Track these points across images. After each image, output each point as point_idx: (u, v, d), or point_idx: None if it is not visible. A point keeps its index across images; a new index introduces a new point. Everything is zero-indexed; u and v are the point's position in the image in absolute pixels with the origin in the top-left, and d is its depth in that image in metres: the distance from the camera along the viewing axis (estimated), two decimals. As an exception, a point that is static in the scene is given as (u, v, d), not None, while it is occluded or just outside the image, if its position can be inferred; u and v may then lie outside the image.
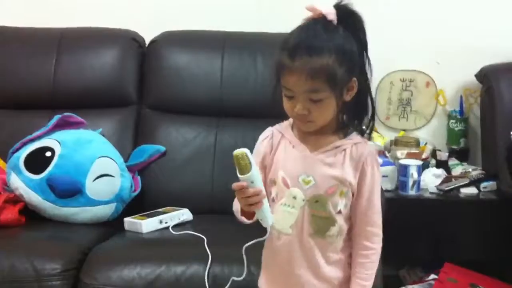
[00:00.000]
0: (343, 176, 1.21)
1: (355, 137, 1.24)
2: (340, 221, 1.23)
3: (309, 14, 1.21)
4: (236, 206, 1.23)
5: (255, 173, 1.14)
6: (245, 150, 1.14)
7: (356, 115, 1.24)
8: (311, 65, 1.14)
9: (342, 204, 1.23)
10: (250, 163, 1.13)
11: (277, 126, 1.28)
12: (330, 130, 1.23)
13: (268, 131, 1.28)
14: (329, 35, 1.17)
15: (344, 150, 1.22)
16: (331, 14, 1.18)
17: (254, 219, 1.21)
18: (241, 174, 1.14)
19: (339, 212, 1.23)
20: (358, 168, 1.22)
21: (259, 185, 1.16)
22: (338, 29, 1.18)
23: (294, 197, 1.22)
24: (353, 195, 1.24)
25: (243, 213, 1.22)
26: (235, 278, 1.37)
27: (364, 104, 1.24)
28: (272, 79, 1.21)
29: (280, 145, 1.25)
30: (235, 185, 1.15)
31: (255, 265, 1.32)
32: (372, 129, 1.26)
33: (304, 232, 1.22)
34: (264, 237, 1.20)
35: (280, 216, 1.23)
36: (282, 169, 1.23)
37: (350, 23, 1.20)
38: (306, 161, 1.22)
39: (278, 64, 1.18)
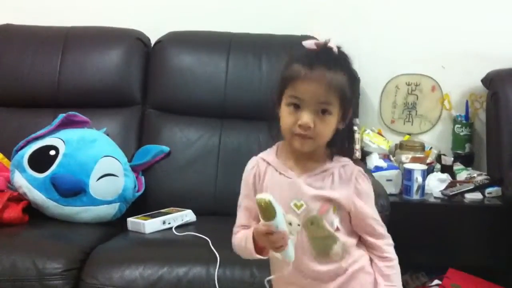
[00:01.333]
0: (333, 196, 1.21)
1: (341, 159, 1.24)
2: (342, 238, 1.23)
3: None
4: (244, 244, 1.22)
5: (280, 219, 1.13)
6: (269, 197, 1.11)
7: (344, 143, 1.25)
8: (331, 77, 1.15)
9: (337, 221, 1.22)
10: (274, 209, 1.11)
11: (261, 154, 1.27)
12: (317, 156, 1.23)
13: (253, 160, 1.27)
14: (341, 58, 1.20)
15: (332, 173, 1.22)
16: (336, 48, 1.20)
17: (268, 255, 1.21)
18: (265, 220, 1.12)
19: (337, 229, 1.22)
20: (350, 187, 1.22)
21: (284, 227, 1.14)
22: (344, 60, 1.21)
23: (290, 223, 1.20)
24: (349, 214, 1.23)
25: (259, 250, 1.20)
26: None
27: (350, 134, 1.27)
28: (275, 89, 1.21)
29: (266, 173, 1.24)
30: (262, 230, 1.14)
31: (260, 268, 1.31)
32: (352, 154, 1.29)
33: (308, 256, 1.22)
34: (287, 272, 1.19)
35: None
36: None
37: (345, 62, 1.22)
38: (295, 186, 1.21)
39: (289, 74, 1.17)
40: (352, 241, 1.25)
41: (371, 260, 1.26)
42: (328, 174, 1.22)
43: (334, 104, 1.16)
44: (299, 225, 1.20)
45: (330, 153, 1.23)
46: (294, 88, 1.16)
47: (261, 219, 1.12)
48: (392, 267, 1.25)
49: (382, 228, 1.25)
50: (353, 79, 1.21)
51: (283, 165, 1.23)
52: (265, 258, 1.21)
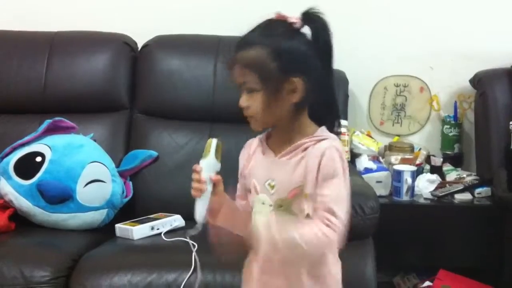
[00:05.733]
0: (303, 176, 1.15)
1: (322, 133, 1.18)
2: None
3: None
4: None
5: (206, 163, 1.18)
6: (215, 140, 1.20)
7: (320, 115, 1.20)
8: (243, 56, 1.17)
9: (309, 208, 1.15)
10: (209, 152, 1.18)
11: (259, 135, 1.27)
12: (293, 132, 1.19)
13: (249, 140, 1.28)
14: (270, 32, 1.18)
15: (306, 148, 1.17)
16: (293, 18, 1.19)
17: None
18: (201, 158, 1.19)
19: (308, 216, 1.15)
20: (315, 167, 1.14)
21: (205, 176, 1.17)
22: (292, 31, 1.18)
23: (263, 203, 1.20)
24: None
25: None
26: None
27: (326, 106, 1.21)
28: None
29: (254, 154, 1.25)
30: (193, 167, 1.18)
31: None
32: (338, 127, 1.23)
33: None
34: (194, 232, 1.19)
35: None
36: (254, 177, 1.23)
37: (312, 27, 1.19)
38: (271, 166, 1.20)
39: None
40: None
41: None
42: (301, 149, 1.17)
43: (253, 80, 1.16)
44: (270, 205, 1.18)
45: (313, 129, 1.19)
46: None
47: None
48: (307, 224, 1.12)
49: (333, 205, 1.11)
50: (280, 47, 1.15)
51: (266, 145, 1.24)
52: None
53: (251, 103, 1.17)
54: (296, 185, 1.16)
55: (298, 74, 1.15)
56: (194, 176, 1.18)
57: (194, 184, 1.18)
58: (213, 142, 1.19)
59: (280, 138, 1.22)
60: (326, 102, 1.21)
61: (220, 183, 1.20)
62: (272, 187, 1.19)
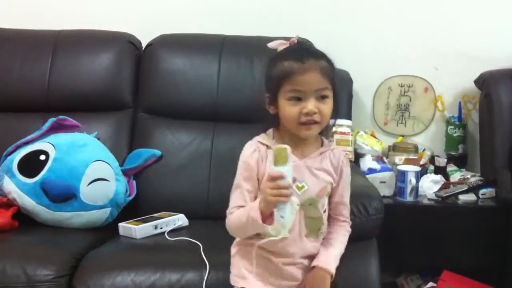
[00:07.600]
0: (329, 178, 1.38)
1: (327, 142, 1.41)
2: (325, 220, 1.41)
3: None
4: (245, 218, 1.28)
5: (290, 169, 1.23)
6: (287, 146, 1.24)
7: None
8: (320, 65, 1.30)
9: (326, 204, 1.40)
10: (288, 157, 1.22)
11: (257, 138, 1.36)
12: (312, 141, 1.38)
13: (252, 144, 1.36)
14: (315, 47, 1.37)
15: (326, 156, 1.38)
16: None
17: (273, 223, 1.26)
18: (276, 165, 1.22)
19: (324, 211, 1.39)
20: (337, 170, 1.40)
21: (290, 181, 1.24)
22: None
23: (291, 204, 1.29)
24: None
25: (263, 219, 1.27)
26: None
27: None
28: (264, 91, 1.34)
29: (268, 156, 1.32)
30: (273, 173, 1.22)
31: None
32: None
33: (301, 233, 1.36)
34: (279, 237, 1.27)
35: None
36: None
37: None
38: (297, 169, 1.31)
39: (283, 71, 1.28)
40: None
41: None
42: (323, 156, 1.38)
43: (329, 88, 1.31)
44: (298, 205, 1.31)
45: (319, 137, 1.39)
46: (292, 83, 1.28)
47: (273, 166, 1.23)
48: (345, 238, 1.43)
49: (347, 211, 1.45)
50: (332, 64, 1.35)
51: None
52: (269, 226, 1.26)
53: (323, 109, 1.29)
54: (322, 185, 1.36)
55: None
56: (282, 183, 1.22)
57: (283, 191, 1.23)
58: (288, 148, 1.23)
59: (297, 143, 1.34)
60: None
61: None
62: (300, 188, 1.33)
